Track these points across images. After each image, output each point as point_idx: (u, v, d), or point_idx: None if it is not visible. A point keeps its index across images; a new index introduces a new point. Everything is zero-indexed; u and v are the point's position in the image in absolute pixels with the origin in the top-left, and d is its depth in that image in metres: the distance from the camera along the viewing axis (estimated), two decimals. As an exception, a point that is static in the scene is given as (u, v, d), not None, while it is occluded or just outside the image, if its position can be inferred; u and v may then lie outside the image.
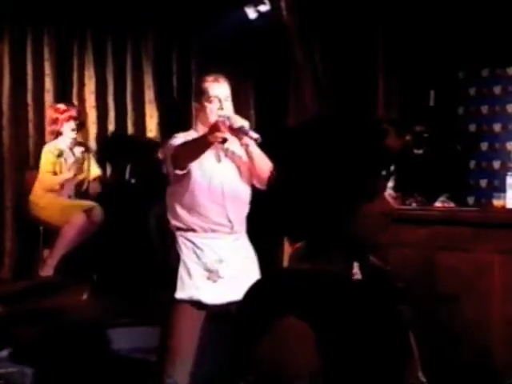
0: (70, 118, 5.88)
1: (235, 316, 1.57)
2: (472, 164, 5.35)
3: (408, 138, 5.18)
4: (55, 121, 5.90)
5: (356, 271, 1.59)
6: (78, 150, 5.94)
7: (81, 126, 6.10)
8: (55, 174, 5.81)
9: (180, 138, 3.80)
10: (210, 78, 3.83)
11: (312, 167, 1.52)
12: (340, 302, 1.51)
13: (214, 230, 3.74)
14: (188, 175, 3.71)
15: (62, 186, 5.80)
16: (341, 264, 1.57)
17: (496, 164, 5.21)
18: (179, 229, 3.78)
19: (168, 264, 3.76)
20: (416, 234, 4.17)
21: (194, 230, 3.75)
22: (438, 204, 4.54)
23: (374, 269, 1.64)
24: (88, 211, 5.63)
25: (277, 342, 1.43)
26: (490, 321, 3.88)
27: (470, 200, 5.23)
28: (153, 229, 5.95)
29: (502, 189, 4.41)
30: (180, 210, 3.77)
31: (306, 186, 1.53)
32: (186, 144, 3.69)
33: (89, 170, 6.03)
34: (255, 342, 1.45)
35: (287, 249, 5.32)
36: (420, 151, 5.15)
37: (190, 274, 3.69)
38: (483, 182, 5.26)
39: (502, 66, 5.35)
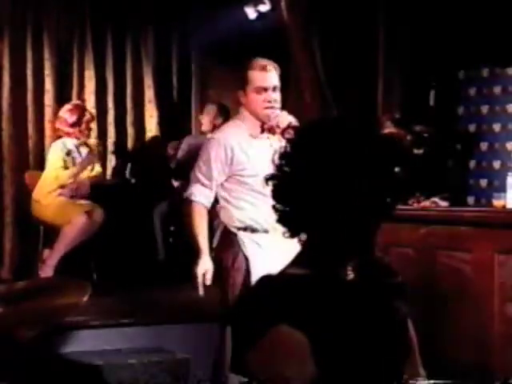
0: (90, 120, 5.93)
1: (230, 321, 1.57)
2: (472, 164, 5.34)
3: (408, 137, 5.18)
4: (77, 122, 5.86)
5: (349, 271, 1.59)
6: (84, 151, 5.91)
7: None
8: (67, 169, 5.77)
9: (230, 134, 3.53)
10: (256, 66, 3.52)
11: (313, 165, 1.53)
12: (334, 304, 1.51)
13: (273, 228, 3.33)
14: (243, 176, 3.49)
15: (64, 186, 5.75)
16: (337, 264, 1.57)
17: (496, 164, 5.20)
18: (240, 229, 3.47)
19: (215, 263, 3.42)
20: (416, 234, 4.17)
21: (255, 230, 3.44)
22: (426, 203, 4.49)
23: (372, 262, 1.64)
24: (89, 212, 5.62)
25: (270, 349, 1.43)
26: (489, 321, 3.88)
27: (470, 200, 5.22)
28: (157, 227, 5.95)
29: (502, 189, 4.41)
30: (235, 210, 3.48)
31: (303, 185, 1.53)
32: None
33: (92, 170, 6.02)
34: (249, 349, 1.45)
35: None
36: (420, 151, 5.14)
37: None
38: (483, 182, 5.24)
39: (502, 65, 5.34)
